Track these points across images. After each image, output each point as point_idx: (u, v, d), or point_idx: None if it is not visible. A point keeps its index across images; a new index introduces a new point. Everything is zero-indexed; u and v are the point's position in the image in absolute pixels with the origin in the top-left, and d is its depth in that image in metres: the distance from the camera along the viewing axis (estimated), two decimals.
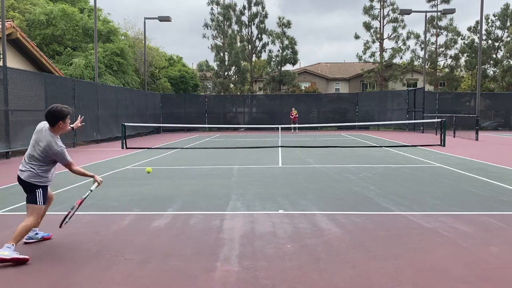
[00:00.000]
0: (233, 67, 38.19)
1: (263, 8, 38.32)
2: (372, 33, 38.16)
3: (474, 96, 30.01)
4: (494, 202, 6.67)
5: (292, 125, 27.61)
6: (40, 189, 4.41)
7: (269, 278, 3.71)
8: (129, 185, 8.47)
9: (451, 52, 39.45)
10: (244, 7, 38.62)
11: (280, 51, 38.25)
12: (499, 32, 39.50)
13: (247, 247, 4.56)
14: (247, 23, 38.84)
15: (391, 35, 38.04)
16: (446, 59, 40.02)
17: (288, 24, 38.25)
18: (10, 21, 17.02)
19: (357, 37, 38.02)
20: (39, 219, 4.55)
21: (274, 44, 38.55)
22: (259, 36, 38.82)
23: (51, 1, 26.49)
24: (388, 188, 7.91)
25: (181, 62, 39.03)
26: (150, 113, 28.92)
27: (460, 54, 39.26)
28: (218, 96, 36.71)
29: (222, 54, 38.07)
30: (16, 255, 4.08)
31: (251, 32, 39.16)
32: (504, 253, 4.33)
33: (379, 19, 38.27)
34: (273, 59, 38.60)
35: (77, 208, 4.68)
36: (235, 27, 38.86)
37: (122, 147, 17.14)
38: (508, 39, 37.98)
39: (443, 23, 38.79)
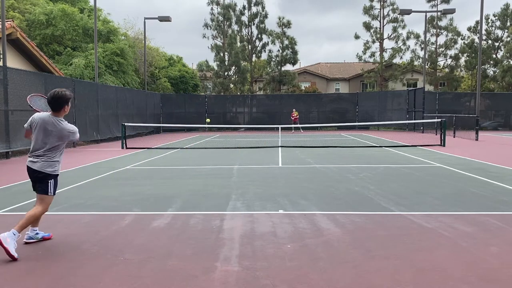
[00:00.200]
0: (233, 67, 38.19)
1: (263, 8, 38.36)
2: (372, 33, 38.20)
3: (474, 96, 30.03)
4: (494, 202, 6.67)
5: (293, 125, 27.62)
6: (52, 179, 4.60)
7: (269, 278, 3.71)
8: (129, 185, 8.46)
9: (451, 52, 39.54)
10: (244, 7, 38.66)
11: (280, 51, 38.27)
12: (499, 32, 39.55)
13: (247, 247, 4.55)
14: (247, 23, 38.85)
15: (391, 35, 38.09)
16: (446, 59, 40.06)
17: (288, 24, 38.29)
18: (10, 21, 17.02)
19: (357, 37, 38.08)
20: (47, 209, 4.70)
21: (274, 44, 38.64)
22: (259, 36, 38.85)
23: (51, 1, 26.49)
24: (388, 188, 7.91)
25: (181, 62, 39.05)
26: (150, 113, 28.92)
27: (460, 54, 39.28)
28: (218, 96, 36.70)
29: (222, 54, 38.07)
30: (13, 247, 4.16)
31: (251, 32, 39.20)
32: (504, 253, 4.33)
33: (379, 19, 38.29)
34: (273, 59, 38.61)
35: None
36: (235, 27, 38.93)
37: (122, 147, 17.15)
38: (508, 39, 38.00)
39: (443, 23, 38.88)
